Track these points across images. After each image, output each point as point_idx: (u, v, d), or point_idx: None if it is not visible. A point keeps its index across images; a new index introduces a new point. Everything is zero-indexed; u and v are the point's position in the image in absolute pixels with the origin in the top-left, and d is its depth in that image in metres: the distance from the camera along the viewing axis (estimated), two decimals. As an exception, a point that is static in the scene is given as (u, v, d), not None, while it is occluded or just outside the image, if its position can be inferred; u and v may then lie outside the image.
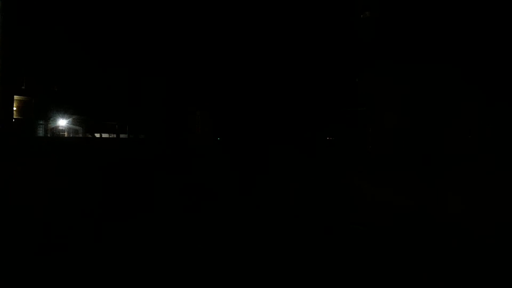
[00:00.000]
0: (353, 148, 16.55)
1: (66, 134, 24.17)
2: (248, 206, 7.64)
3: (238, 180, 10.97)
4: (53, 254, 4.44)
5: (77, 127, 23.80)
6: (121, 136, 24.38)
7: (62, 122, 23.11)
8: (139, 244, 4.95)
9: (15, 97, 19.81)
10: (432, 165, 11.54)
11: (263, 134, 20.10)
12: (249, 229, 5.91)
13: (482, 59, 12.60)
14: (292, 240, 5.30)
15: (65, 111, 22.48)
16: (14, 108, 19.96)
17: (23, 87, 19.93)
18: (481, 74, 12.62)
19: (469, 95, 12.96)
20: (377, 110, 15.39)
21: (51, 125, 22.72)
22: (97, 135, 23.82)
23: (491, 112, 12.65)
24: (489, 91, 12.58)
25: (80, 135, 24.42)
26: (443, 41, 13.41)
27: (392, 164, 12.90)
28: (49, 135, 22.50)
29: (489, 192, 7.85)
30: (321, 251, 4.87)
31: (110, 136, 24.49)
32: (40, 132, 22.01)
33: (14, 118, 20.02)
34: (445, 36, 13.36)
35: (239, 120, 21.83)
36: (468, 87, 12.94)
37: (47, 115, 21.81)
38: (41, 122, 21.52)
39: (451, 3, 13.16)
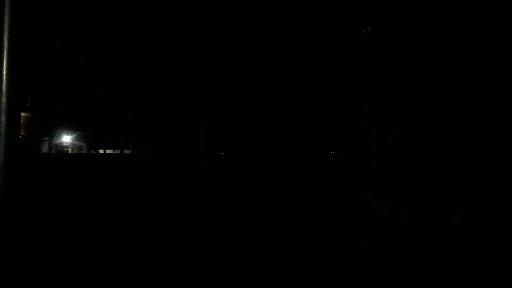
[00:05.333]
0: (357, 162, 16.43)
1: (70, 150, 24.28)
2: (251, 220, 7.53)
3: (240, 194, 10.87)
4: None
5: (81, 143, 23.93)
6: (125, 151, 24.42)
7: (66, 138, 23.25)
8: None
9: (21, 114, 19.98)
10: (438, 179, 11.38)
11: (266, 148, 20.04)
12: (250, 243, 5.80)
13: (486, 72, 12.57)
14: (297, 255, 5.18)
15: (69, 127, 22.64)
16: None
17: (28, 104, 20.15)
18: (486, 86, 12.57)
19: (474, 108, 12.89)
20: (381, 124, 15.33)
21: (56, 141, 22.85)
22: (101, 151, 23.90)
23: (496, 124, 12.54)
24: (494, 103, 12.50)
25: (84, 151, 24.54)
26: (447, 55, 13.42)
27: (397, 179, 12.74)
28: (53, 151, 22.61)
29: (495, 205, 7.70)
30: (326, 266, 4.75)
31: (114, 152, 24.57)
32: (45, 148, 22.14)
33: (20, 135, 20.14)
34: (449, 50, 13.37)
35: (242, 136, 21.83)
36: (473, 100, 12.87)
37: (52, 132, 21.96)
38: (45, 139, 21.67)
39: (455, 17, 13.22)
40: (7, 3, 2.21)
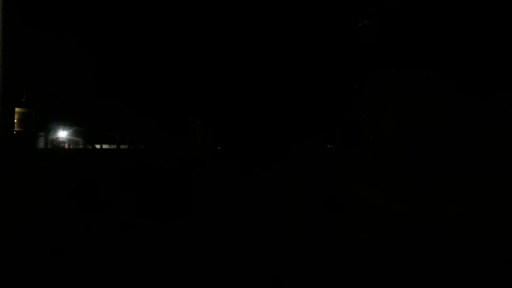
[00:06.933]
0: (354, 155, 16.45)
1: (66, 146, 24.17)
2: (248, 216, 7.55)
3: (236, 187, 10.87)
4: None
5: (77, 139, 23.81)
6: (122, 146, 24.34)
7: (62, 134, 23.12)
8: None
9: (16, 109, 19.87)
10: (435, 172, 11.43)
11: (263, 142, 20.03)
12: (247, 239, 5.82)
13: (485, 65, 12.57)
14: (294, 248, 5.21)
15: (65, 122, 22.52)
16: (15, 121, 20.00)
17: (23, 100, 20.00)
18: (484, 80, 12.58)
19: (471, 101, 12.90)
20: (378, 117, 15.34)
21: (51, 136, 22.73)
22: (98, 146, 23.79)
23: (493, 118, 12.57)
24: (492, 96, 12.52)
25: (81, 146, 24.43)
26: (445, 48, 13.40)
27: (394, 172, 12.79)
28: (49, 147, 22.49)
29: (490, 197, 7.75)
30: (323, 260, 4.77)
31: (111, 147, 24.46)
32: (41, 143, 22.02)
33: (15, 131, 20.03)
34: (447, 43, 13.35)
35: (239, 130, 21.79)
36: (470, 93, 12.89)
37: (47, 127, 21.84)
38: (41, 134, 21.55)
39: (452, 11, 13.17)
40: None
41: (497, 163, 11.46)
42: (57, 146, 23.63)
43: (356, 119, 16.88)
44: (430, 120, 13.68)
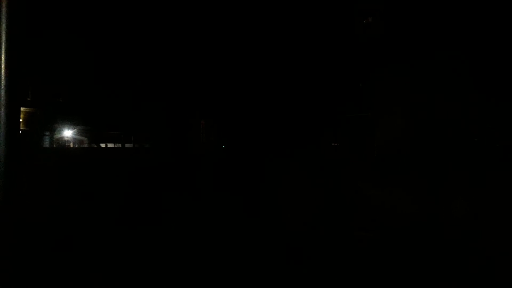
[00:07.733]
0: (359, 153, 16.40)
1: (71, 145, 24.32)
2: (249, 211, 7.55)
3: (240, 185, 10.87)
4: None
5: (82, 138, 23.95)
6: (126, 145, 24.44)
7: (68, 133, 23.27)
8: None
9: (21, 109, 20.03)
10: (439, 170, 11.35)
11: (268, 140, 20.02)
12: (251, 236, 5.82)
13: (488, 62, 12.47)
14: (298, 245, 5.21)
15: (70, 121, 22.66)
16: (20, 120, 20.16)
17: (28, 99, 20.16)
18: (488, 77, 12.48)
19: (476, 98, 12.81)
20: (382, 115, 15.27)
21: (57, 135, 22.88)
22: (103, 145, 23.92)
23: (498, 114, 12.47)
24: (496, 93, 12.42)
25: (86, 145, 24.57)
26: (448, 45, 13.31)
27: (399, 170, 12.72)
28: (54, 146, 22.66)
29: (495, 196, 7.69)
30: (326, 257, 4.77)
31: (116, 146, 24.58)
32: (46, 143, 22.19)
33: (20, 130, 20.21)
34: (449, 40, 13.27)
35: (243, 128, 21.80)
36: (476, 90, 12.80)
37: (53, 126, 21.99)
38: (46, 133, 21.71)
39: (455, 7, 13.08)
40: (4, -4, 2.18)
41: (503, 161, 11.38)
42: (62, 145, 23.78)
43: (361, 117, 16.83)
44: (435, 118, 13.60)
